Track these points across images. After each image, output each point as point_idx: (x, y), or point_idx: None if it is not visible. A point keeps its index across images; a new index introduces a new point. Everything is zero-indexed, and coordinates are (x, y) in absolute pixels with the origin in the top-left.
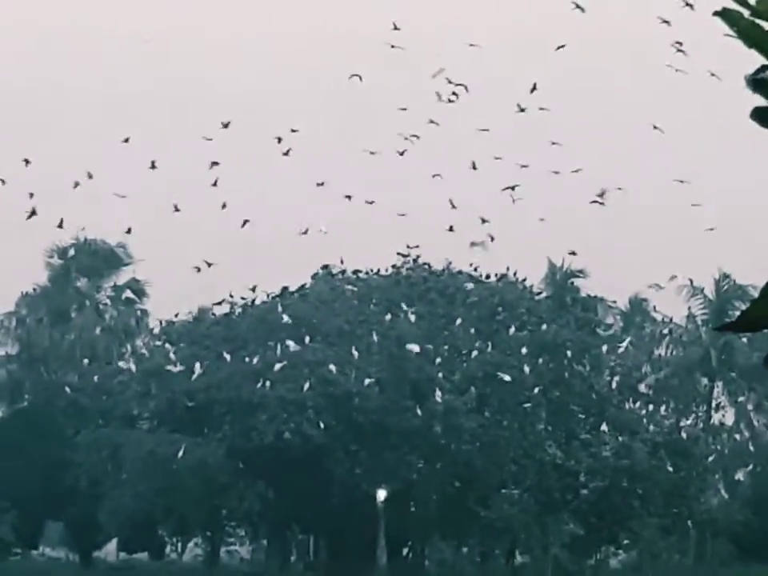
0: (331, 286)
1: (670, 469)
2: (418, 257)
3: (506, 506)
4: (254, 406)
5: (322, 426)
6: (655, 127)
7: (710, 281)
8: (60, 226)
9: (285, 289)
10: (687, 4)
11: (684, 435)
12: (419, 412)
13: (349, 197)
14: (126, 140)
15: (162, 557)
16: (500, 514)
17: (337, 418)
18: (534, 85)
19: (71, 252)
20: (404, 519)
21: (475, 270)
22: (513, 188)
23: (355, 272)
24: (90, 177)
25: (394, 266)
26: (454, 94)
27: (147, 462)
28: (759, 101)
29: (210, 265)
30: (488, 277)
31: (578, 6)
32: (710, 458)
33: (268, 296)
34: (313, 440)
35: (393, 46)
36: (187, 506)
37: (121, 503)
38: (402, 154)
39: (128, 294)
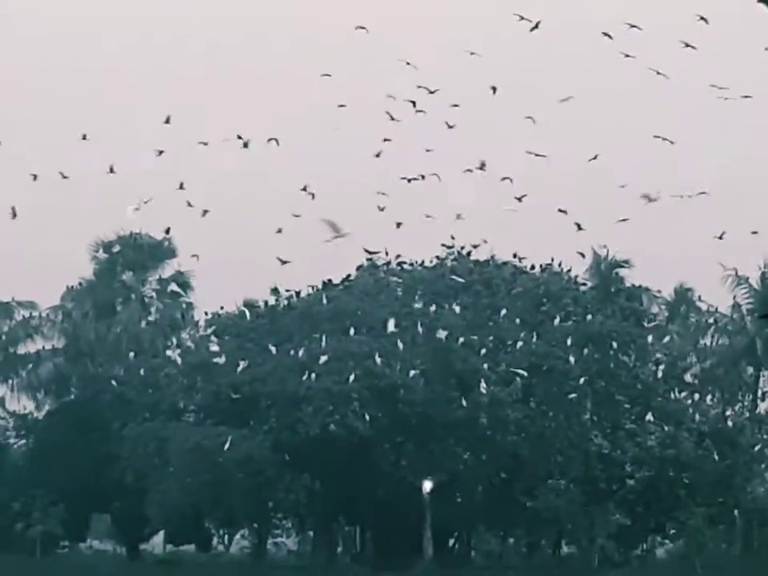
0: (375, 278)
1: (716, 458)
2: (462, 248)
3: (552, 496)
4: (300, 399)
5: (367, 418)
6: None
7: (755, 270)
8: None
9: (329, 281)
10: None
11: (730, 424)
12: (464, 403)
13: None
14: (167, 120)
15: (209, 549)
16: (546, 504)
17: (382, 410)
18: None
19: (116, 246)
20: (450, 510)
21: (520, 260)
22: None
23: (399, 264)
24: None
25: (438, 257)
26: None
27: (193, 454)
28: None
29: (284, 262)
30: (533, 267)
31: None
32: (756, 448)
33: (312, 288)
34: (358, 432)
35: None
36: (234, 499)
37: (167, 496)
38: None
39: (173, 287)
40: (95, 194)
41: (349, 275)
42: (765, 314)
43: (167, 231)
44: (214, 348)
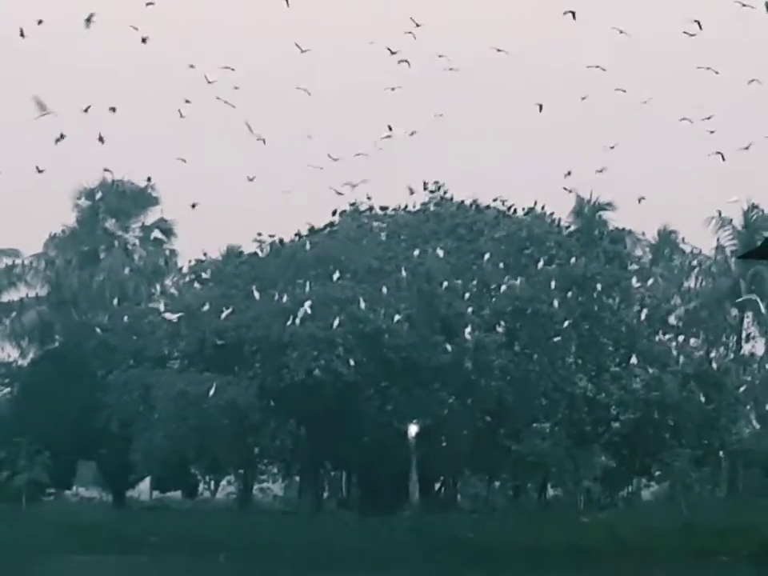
0: (359, 224)
1: (701, 400)
2: (445, 192)
3: (537, 440)
4: (284, 345)
5: (352, 363)
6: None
7: (738, 212)
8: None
9: (312, 227)
10: None
11: (714, 366)
12: (449, 348)
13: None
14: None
15: (195, 495)
16: (531, 448)
17: (367, 355)
18: None
19: (99, 193)
20: (435, 455)
21: (503, 204)
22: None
23: (383, 209)
24: (114, 110)
25: (422, 204)
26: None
27: (178, 401)
28: None
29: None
30: (515, 211)
31: None
32: (741, 389)
33: (296, 235)
34: (343, 377)
35: None
36: (219, 445)
37: (153, 443)
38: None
39: (156, 234)
40: (77, 138)
41: (332, 222)
42: (745, 254)
43: (149, 179)
44: (199, 295)
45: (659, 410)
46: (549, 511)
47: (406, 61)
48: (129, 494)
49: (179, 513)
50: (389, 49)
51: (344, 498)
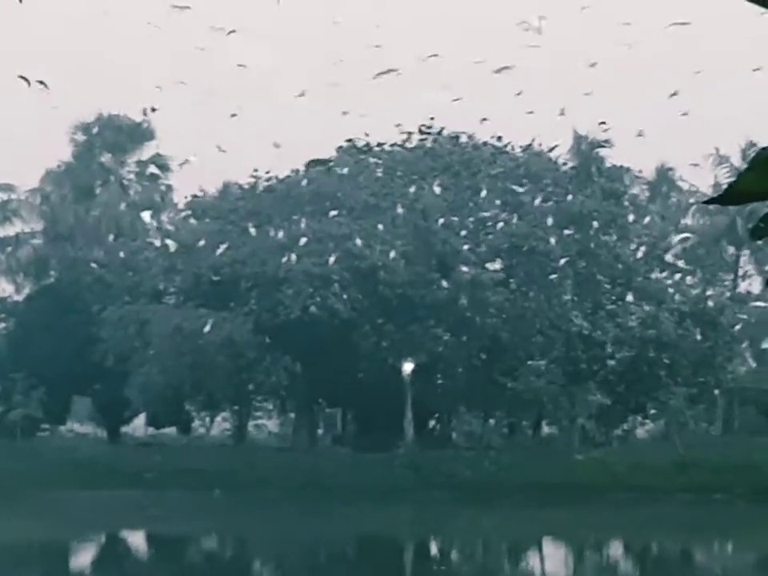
0: (356, 160)
1: (697, 338)
2: (442, 128)
3: (532, 377)
4: (280, 281)
5: (347, 299)
6: None
7: (736, 149)
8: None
9: (309, 162)
10: None
11: (711, 304)
12: (445, 284)
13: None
14: None
15: (190, 432)
16: (527, 385)
17: (363, 292)
18: None
19: (95, 128)
20: (430, 392)
21: (499, 140)
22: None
23: (380, 145)
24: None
25: (419, 140)
26: None
27: (174, 337)
28: None
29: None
30: (512, 148)
31: None
32: (737, 327)
33: (292, 171)
34: (339, 314)
35: None
36: (214, 381)
37: (148, 379)
38: None
39: (152, 169)
40: (76, 74)
41: (329, 158)
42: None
43: (145, 113)
44: (194, 230)
45: (655, 348)
46: (544, 449)
47: None
48: (123, 429)
49: (174, 449)
50: None
51: (339, 434)
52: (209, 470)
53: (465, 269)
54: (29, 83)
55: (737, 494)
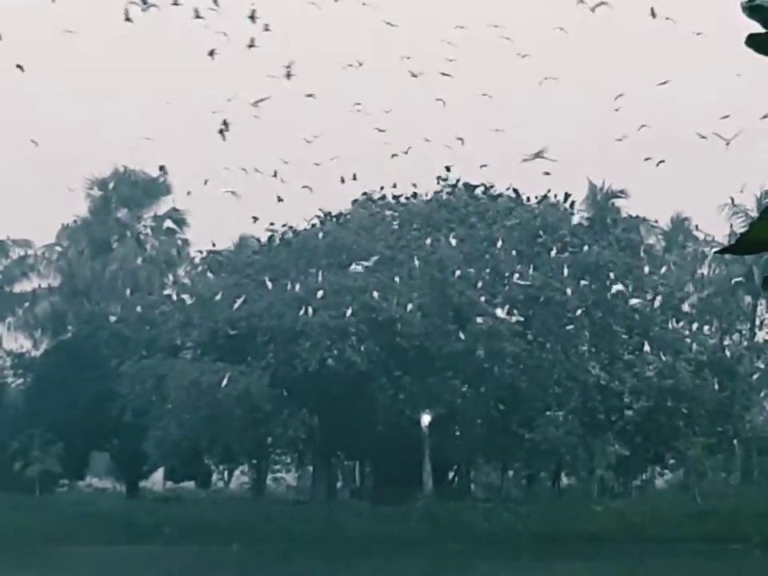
0: (371, 212)
1: (715, 388)
2: (457, 181)
3: (550, 428)
4: (297, 334)
5: (364, 351)
6: None
7: (751, 199)
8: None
9: (325, 215)
10: None
11: (728, 354)
12: (462, 336)
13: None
14: None
15: (209, 485)
16: (545, 436)
17: (380, 344)
18: None
19: (111, 183)
20: (449, 444)
21: (515, 192)
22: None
23: (395, 197)
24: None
25: (435, 192)
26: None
27: (191, 391)
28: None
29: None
30: (528, 199)
31: None
32: (755, 376)
33: (308, 223)
34: (356, 366)
35: None
36: (232, 435)
37: (166, 433)
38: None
39: (168, 223)
40: (90, 129)
41: (343, 211)
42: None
43: (161, 168)
44: (211, 284)
45: (673, 398)
46: (562, 500)
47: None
48: (142, 484)
49: (192, 503)
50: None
51: (357, 487)
52: (227, 523)
53: (480, 320)
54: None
55: (755, 543)
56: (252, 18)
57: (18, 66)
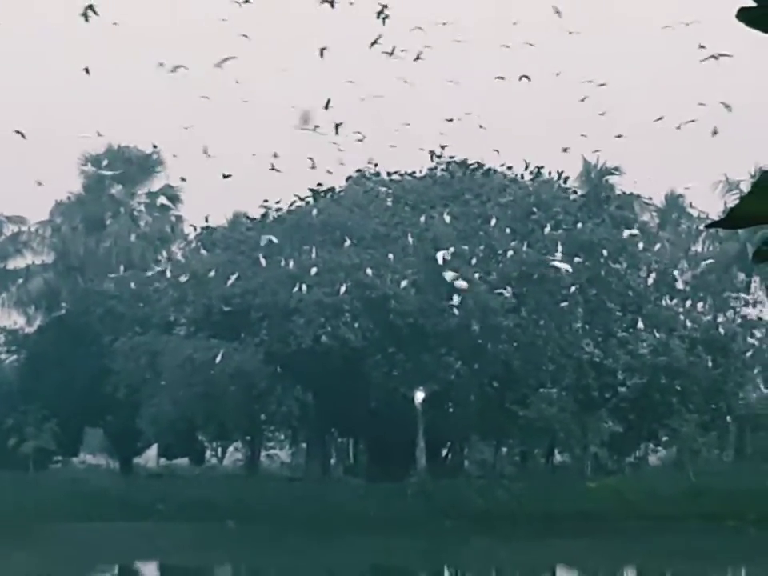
0: (365, 189)
1: (708, 365)
2: (452, 157)
3: (544, 405)
4: (291, 311)
5: (358, 329)
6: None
7: (745, 175)
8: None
9: (318, 192)
10: None
11: (721, 331)
12: (456, 312)
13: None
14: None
15: (203, 462)
16: (539, 413)
17: (374, 321)
18: None
19: (105, 159)
20: (443, 421)
21: (509, 168)
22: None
23: (389, 174)
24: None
25: (429, 169)
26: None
27: (185, 368)
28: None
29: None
30: (522, 176)
31: None
32: (749, 353)
33: (302, 200)
34: (350, 343)
35: None
36: (226, 412)
37: (160, 410)
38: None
39: (162, 200)
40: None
41: (337, 187)
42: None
43: (155, 147)
44: (205, 261)
45: (666, 375)
46: (556, 476)
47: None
48: (136, 461)
49: (186, 480)
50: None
51: (351, 464)
52: (221, 500)
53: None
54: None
55: (749, 520)
56: None
57: None
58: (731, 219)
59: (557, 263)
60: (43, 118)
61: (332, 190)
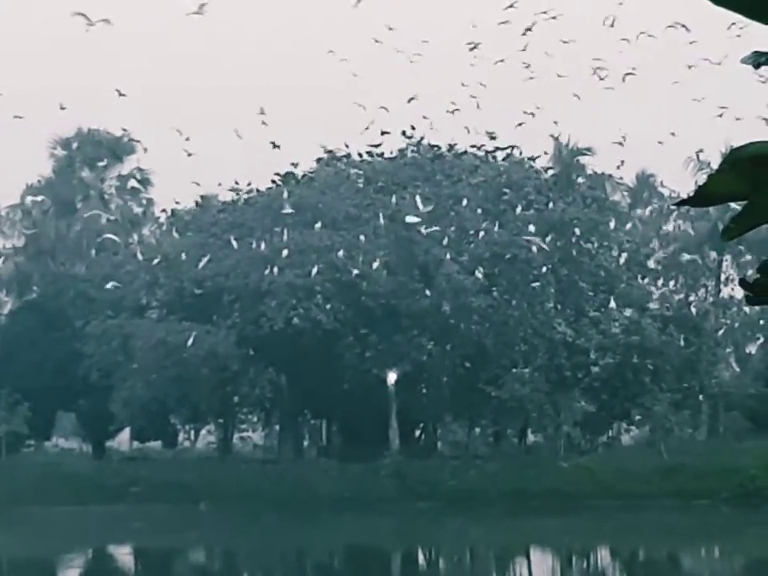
0: (336, 171)
1: (681, 344)
2: (422, 138)
3: (517, 385)
4: (263, 293)
5: (331, 310)
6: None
7: (716, 154)
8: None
9: (289, 174)
10: None
11: (693, 310)
12: (428, 293)
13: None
14: None
15: (175, 445)
16: (511, 393)
17: (346, 303)
18: None
19: (75, 143)
20: (415, 401)
21: (479, 149)
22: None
23: (360, 155)
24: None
25: (400, 150)
26: None
27: (158, 351)
28: None
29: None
30: (494, 157)
31: None
32: (721, 332)
33: (273, 182)
34: (322, 325)
35: None
36: (199, 394)
37: (133, 393)
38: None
39: (133, 183)
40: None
41: (307, 169)
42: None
43: (125, 129)
44: (176, 243)
45: (638, 354)
46: (529, 457)
47: None
48: (108, 444)
49: (159, 462)
50: None
51: (324, 445)
52: (195, 483)
53: (446, 275)
54: None
55: (722, 499)
56: None
57: None
58: (700, 197)
59: (530, 238)
60: (12, 100)
61: (304, 174)
